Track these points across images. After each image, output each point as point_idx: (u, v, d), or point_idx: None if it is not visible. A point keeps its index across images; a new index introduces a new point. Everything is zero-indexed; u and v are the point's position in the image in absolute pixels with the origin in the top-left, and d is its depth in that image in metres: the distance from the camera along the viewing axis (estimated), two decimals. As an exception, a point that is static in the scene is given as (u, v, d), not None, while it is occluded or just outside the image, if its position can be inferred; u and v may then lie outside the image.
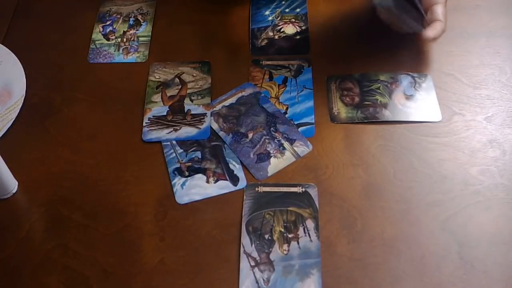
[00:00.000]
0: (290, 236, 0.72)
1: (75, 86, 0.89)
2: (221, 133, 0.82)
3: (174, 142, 0.81)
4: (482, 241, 0.71)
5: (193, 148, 0.81)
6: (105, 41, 0.94)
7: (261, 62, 0.90)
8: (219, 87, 0.87)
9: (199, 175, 0.78)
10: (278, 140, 0.81)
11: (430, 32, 0.82)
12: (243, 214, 0.74)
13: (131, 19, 0.97)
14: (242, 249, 0.71)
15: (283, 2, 0.97)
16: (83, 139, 0.83)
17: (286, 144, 0.80)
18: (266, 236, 0.72)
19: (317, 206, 0.74)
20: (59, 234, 0.74)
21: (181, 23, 0.96)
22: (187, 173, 0.78)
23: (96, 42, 0.94)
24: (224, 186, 0.77)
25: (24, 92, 0.87)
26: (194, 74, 0.89)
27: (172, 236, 0.73)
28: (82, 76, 0.90)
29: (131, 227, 0.74)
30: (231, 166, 0.79)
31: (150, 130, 0.83)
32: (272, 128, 0.82)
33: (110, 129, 0.83)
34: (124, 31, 0.95)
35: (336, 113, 0.83)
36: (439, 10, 0.83)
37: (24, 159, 0.81)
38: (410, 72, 0.87)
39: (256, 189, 0.76)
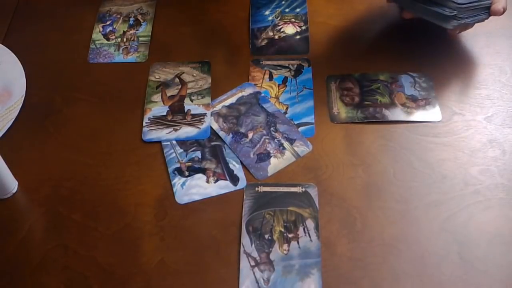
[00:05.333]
0: (290, 236, 0.72)
1: (75, 86, 0.89)
2: (221, 133, 0.82)
3: (174, 142, 0.81)
4: (482, 241, 0.71)
5: (193, 148, 0.81)
6: (105, 41, 0.94)
7: (261, 62, 0.90)
8: (219, 87, 0.87)
9: (199, 175, 0.78)
10: (278, 140, 0.81)
11: (498, 4, 0.81)
12: (243, 214, 0.74)
13: (131, 19, 0.97)
14: (242, 249, 0.71)
15: (283, 2, 0.97)
16: (83, 139, 0.83)
17: (286, 144, 0.80)
18: (266, 236, 0.72)
19: (317, 206, 0.74)
20: (59, 234, 0.74)
21: (181, 23, 0.96)
22: (187, 173, 0.78)
23: (96, 42, 0.94)
24: (224, 186, 0.77)
25: (24, 92, 0.87)
26: (194, 74, 0.89)
27: (172, 236, 0.73)
28: (82, 76, 0.90)
29: (131, 227, 0.74)
30: (231, 166, 0.79)
31: (150, 130, 0.82)
32: (272, 128, 0.82)
33: (110, 129, 0.83)
34: (124, 31, 0.95)
35: (336, 113, 0.83)
36: None
37: (24, 159, 0.81)
38: (410, 72, 0.87)
39: (256, 189, 0.76)
